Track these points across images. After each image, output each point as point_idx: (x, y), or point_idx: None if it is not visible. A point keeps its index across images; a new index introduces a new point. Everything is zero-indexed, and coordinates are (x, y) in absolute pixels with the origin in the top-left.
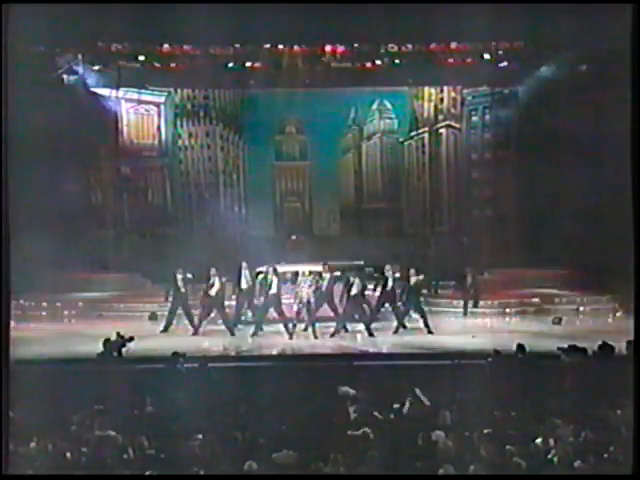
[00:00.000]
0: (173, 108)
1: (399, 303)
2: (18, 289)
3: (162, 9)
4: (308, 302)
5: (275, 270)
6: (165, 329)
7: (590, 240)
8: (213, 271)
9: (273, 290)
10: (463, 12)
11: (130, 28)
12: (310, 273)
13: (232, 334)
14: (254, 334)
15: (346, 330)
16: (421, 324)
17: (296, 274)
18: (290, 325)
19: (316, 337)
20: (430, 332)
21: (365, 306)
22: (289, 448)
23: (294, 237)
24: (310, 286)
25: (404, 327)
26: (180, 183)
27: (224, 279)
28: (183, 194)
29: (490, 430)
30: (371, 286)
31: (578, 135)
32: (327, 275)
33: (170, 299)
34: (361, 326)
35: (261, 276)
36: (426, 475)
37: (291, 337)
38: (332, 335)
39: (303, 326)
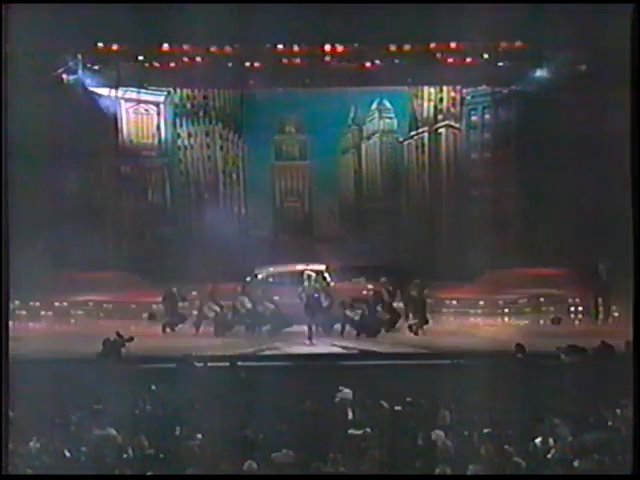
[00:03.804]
0: (173, 108)
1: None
2: (18, 289)
3: (162, 9)
4: (310, 302)
5: (273, 271)
6: (164, 329)
7: (590, 240)
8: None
9: (272, 290)
10: (463, 12)
11: (130, 28)
12: (316, 274)
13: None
14: (250, 332)
15: (343, 330)
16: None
17: (299, 274)
18: (291, 325)
19: (314, 336)
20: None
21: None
22: (289, 448)
23: (286, 238)
24: (314, 287)
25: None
26: (180, 183)
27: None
28: (183, 194)
29: (490, 430)
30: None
31: (578, 135)
32: (329, 277)
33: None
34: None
35: (260, 276)
36: (426, 475)
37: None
38: (332, 335)
39: (304, 327)
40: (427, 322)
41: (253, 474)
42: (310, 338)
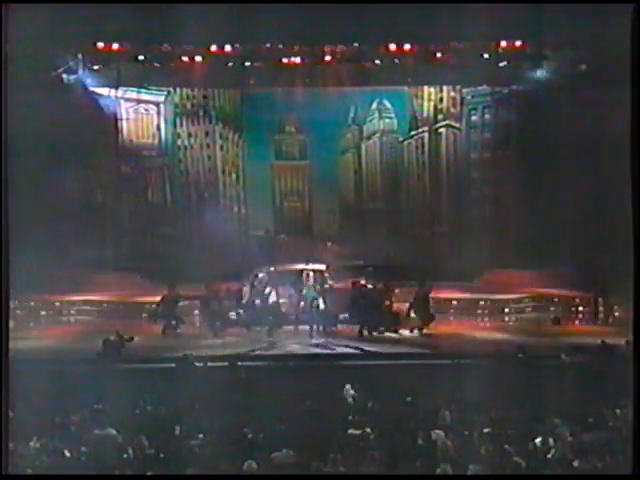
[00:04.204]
0: (173, 107)
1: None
2: (18, 289)
3: (162, 9)
4: (311, 302)
5: (273, 271)
6: (164, 331)
7: (590, 240)
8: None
9: (272, 291)
10: (463, 12)
11: (130, 28)
12: (316, 273)
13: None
14: (250, 332)
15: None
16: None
17: (299, 274)
18: (291, 325)
19: (315, 336)
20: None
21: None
22: (289, 448)
23: (283, 237)
24: (314, 286)
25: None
26: (180, 183)
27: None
28: (183, 194)
29: (490, 430)
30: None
31: (578, 135)
32: (329, 276)
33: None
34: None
35: (261, 275)
36: (426, 475)
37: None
38: (332, 335)
39: (304, 326)
40: (429, 320)
41: (253, 474)
42: (311, 337)
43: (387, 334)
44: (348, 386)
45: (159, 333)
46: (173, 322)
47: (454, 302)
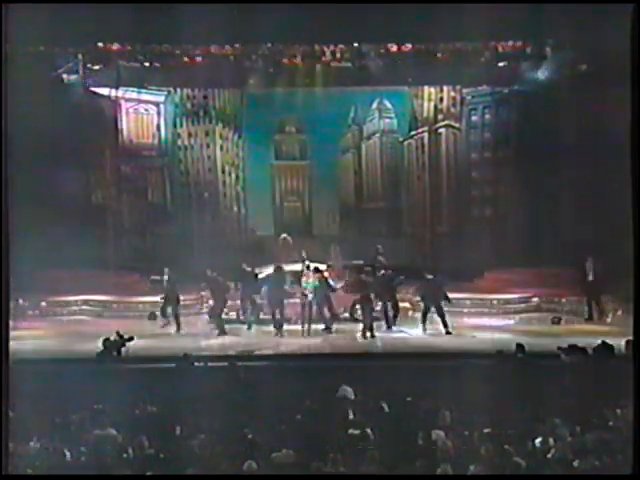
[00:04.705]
0: (173, 107)
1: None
2: (18, 289)
3: (162, 9)
4: (310, 302)
5: (273, 271)
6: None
7: (589, 240)
8: (209, 272)
9: (272, 291)
10: (463, 12)
11: (130, 28)
12: (315, 271)
13: (222, 333)
14: (249, 329)
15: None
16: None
17: (299, 274)
18: (291, 325)
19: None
20: (448, 332)
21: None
22: (289, 448)
23: (284, 236)
24: (314, 286)
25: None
26: (180, 183)
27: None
28: (183, 194)
29: (490, 430)
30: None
31: (578, 135)
32: (329, 276)
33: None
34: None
35: (261, 275)
36: (426, 475)
37: (286, 335)
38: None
39: (306, 325)
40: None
41: (253, 474)
42: (311, 337)
43: (387, 334)
44: (349, 389)
45: (159, 333)
46: (173, 320)
47: (453, 302)
